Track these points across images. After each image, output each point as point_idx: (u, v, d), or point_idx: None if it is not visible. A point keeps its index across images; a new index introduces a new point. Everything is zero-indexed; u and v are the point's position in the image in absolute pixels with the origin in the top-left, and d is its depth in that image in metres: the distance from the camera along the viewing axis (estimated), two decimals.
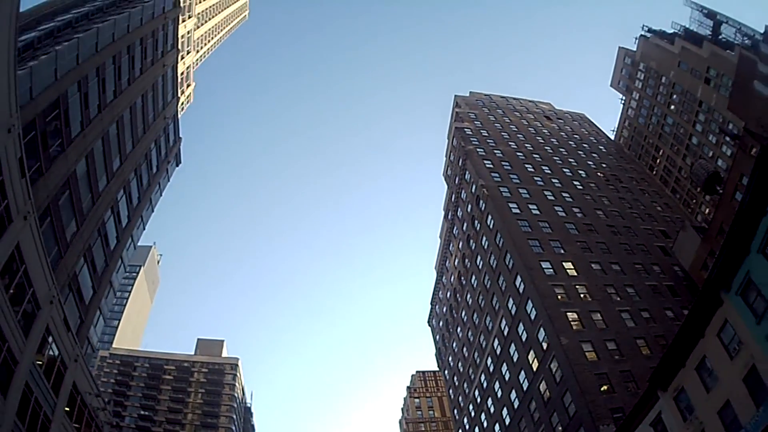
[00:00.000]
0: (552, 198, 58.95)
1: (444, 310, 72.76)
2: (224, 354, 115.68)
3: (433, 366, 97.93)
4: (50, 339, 23.43)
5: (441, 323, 74.51)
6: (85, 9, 36.72)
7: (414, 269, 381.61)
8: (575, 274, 49.12)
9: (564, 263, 49.73)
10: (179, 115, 52.97)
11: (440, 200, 78.15)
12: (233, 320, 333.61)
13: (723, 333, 27.50)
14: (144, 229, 40.02)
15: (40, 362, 22.58)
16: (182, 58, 63.43)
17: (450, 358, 70.49)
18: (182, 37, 61.37)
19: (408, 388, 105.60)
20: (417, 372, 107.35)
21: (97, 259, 31.49)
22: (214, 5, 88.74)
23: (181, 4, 64.19)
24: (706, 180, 56.73)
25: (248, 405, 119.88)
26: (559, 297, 46.33)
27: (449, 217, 69.89)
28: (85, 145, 28.96)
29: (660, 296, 50.75)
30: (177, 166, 47.67)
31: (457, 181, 66.73)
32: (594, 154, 74.59)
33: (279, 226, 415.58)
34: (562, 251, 51.34)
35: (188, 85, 72.63)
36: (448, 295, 70.64)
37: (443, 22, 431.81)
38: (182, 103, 66.04)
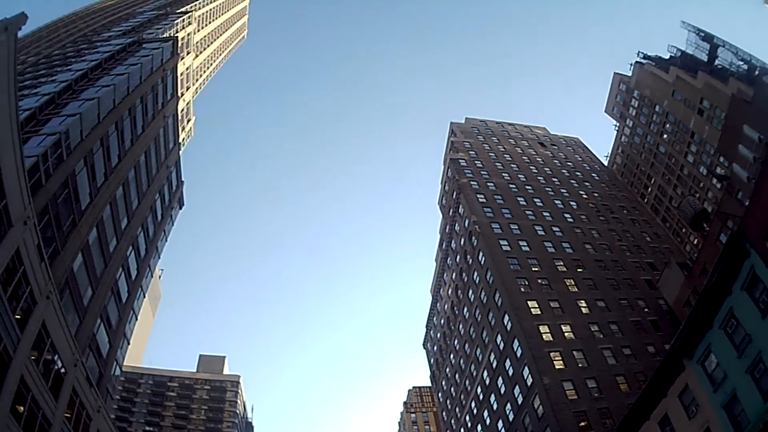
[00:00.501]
0: (542, 233, 61.33)
1: (438, 336, 75.29)
2: (226, 369, 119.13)
3: (429, 382, 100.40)
4: (76, 398, 26.27)
5: (435, 348, 77.05)
6: (83, 63, 39.13)
7: (413, 284, 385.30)
8: (561, 312, 51.54)
9: (551, 302, 52.17)
10: (181, 152, 55.86)
11: (438, 207, 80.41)
12: (232, 332, 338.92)
13: (683, 395, 30.03)
14: (152, 276, 42.79)
15: (69, 415, 25.39)
16: (182, 94, 66.22)
17: (443, 382, 73.01)
18: (181, 74, 64.06)
19: (404, 403, 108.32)
20: (413, 387, 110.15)
21: (112, 315, 34.26)
22: (212, 31, 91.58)
23: (180, 42, 67.44)
24: (694, 217, 58.79)
25: (249, 420, 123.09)
26: (544, 337, 48.79)
27: (443, 246, 72.43)
28: (95, 214, 31.67)
29: (643, 332, 53.12)
30: (180, 209, 50.44)
31: (451, 213, 69.27)
32: (586, 183, 76.89)
33: (278, 240, 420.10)
34: (550, 289, 53.76)
35: (188, 120, 75.37)
36: (442, 322, 73.17)
37: (443, 46, 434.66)
38: (183, 139, 68.81)
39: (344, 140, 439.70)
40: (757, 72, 68.95)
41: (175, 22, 61.29)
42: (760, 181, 25.86)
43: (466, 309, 63.24)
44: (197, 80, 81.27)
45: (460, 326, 65.28)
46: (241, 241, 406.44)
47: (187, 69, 70.16)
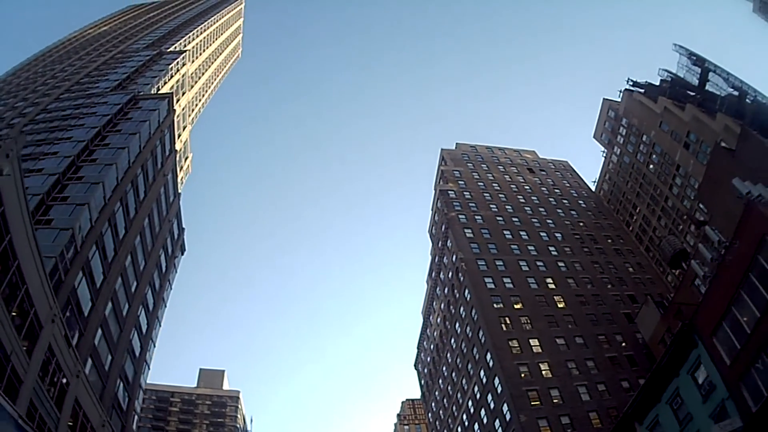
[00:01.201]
0: (526, 269, 65.27)
1: (428, 359, 79.59)
2: (225, 383, 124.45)
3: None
4: None
5: (426, 370, 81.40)
6: (83, 132, 42.08)
7: (408, 299, 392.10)
8: (540, 351, 55.65)
9: (530, 341, 56.27)
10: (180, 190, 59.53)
11: (428, 234, 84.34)
12: (230, 344, 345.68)
13: None
14: (160, 327, 46.90)
15: None
16: (179, 135, 69.54)
17: (433, 404, 77.45)
18: (178, 116, 67.18)
19: (398, 415, 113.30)
20: (407, 400, 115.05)
21: (129, 371, 38.44)
22: (207, 59, 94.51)
23: (175, 83, 70.54)
24: (673, 257, 62.43)
25: (249, 431, 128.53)
26: (523, 375, 52.98)
27: (433, 275, 76.46)
28: (109, 289, 35.63)
29: (618, 367, 57.25)
30: (182, 255, 54.38)
31: (440, 245, 73.17)
32: (573, 212, 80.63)
33: (276, 256, 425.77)
34: (531, 327, 57.84)
35: (186, 158, 78.72)
36: (432, 347, 77.41)
37: (437, 68, 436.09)
38: (181, 178, 72.22)
39: (341, 155, 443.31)
40: (747, 100, 71.66)
41: (170, 66, 64.32)
42: (713, 283, 29.57)
43: (453, 340, 67.38)
44: (193, 110, 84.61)
45: (448, 355, 69.49)
46: (239, 257, 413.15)
47: (183, 109, 73.40)
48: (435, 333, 75.97)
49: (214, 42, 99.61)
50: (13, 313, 23.18)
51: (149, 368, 44.06)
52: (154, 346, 45.28)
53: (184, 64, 70.25)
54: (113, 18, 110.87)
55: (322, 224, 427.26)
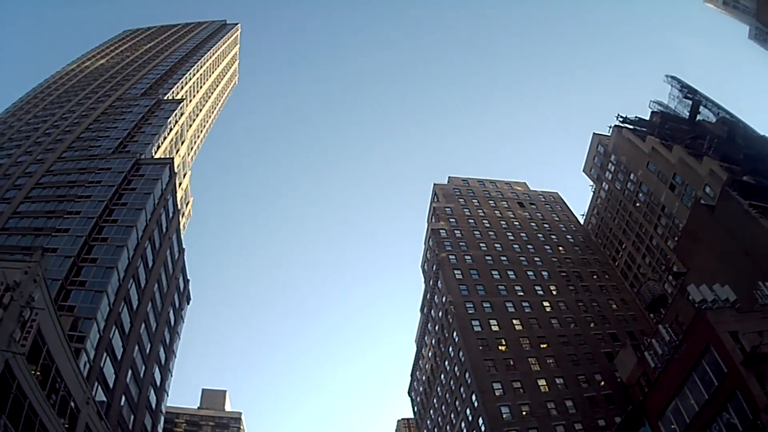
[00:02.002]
0: (512, 310, 70.25)
1: (420, 389, 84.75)
2: (227, 404, 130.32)
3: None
4: None
5: (418, 398, 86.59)
6: (92, 206, 46.57)
7: (402, 325, 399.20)
8: (522, 392, 60.74)
9: (513, 383, 61.35)
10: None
11: (420, 270, 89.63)
12: (232, 367, 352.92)
13: None
14: (172, 377, 52.09)
15: None
16: (180, 184, 74.22)
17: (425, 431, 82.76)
18: (177, 165, 71.51)
19: None
20: (402, 419, 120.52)
21: (148, 425, 43.63)
22: (204, 95, 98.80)
23: (175, 134, 75.12)
24: (651, 302, 67.05)
25: None
26: (504, 417, 58.13)
27: (425, 311, 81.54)
28: (128, 358, 40.77)
29: (596, 406, 62.29)
30: (188, 304, 59.49)
31: (431, 284, 78.21)
32: (560, 247, 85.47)
33: (279, 282, 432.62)
34: (514, 370, 62.85)
35: (187, 204, 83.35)
36: (424, 378, 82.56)
37: (430, 98, 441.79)
38: (183, 224, 76.82)
39: (337, 187, 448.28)
40: (735, 139, 74.82)
41: (168, 120, 68.74)
42: (662, 375, 34.47)
43: (443, 375, 72.49)
44: (192, 147, 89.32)
45: (438, 389, 74.62)
46: (242, 283, 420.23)
47: (182, 157, 78.10)
48: (427, 366, 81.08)
49: (211, 75, 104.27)
50: (53, 400, 28.15)
51: (163, 416, 49.25)
52: (167, 395, 50.52)
53: (182, 114, 74.99)
54: (110, 47, 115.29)
55: (322, 252, 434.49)
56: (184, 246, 58.08)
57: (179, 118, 74.21)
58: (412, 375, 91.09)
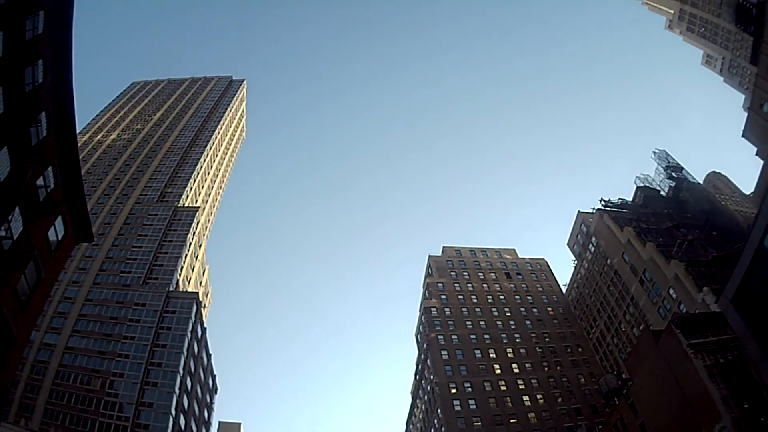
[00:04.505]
0: (489, 389, 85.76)
1: None
2: None
3: None
4: None
5: None
6: (140, 350, 61.26)
7: (401, 366, 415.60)
8: None
9: None
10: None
11: (414, 339, 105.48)
12: (245, 401, 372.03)
13: None
14: None
15: None
16: (197, 256, 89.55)
17: None
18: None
19: None
20: None
21: None
22: (215, 168, 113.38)
23: (194, 235, 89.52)
24: (607, 394, 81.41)
25: None
26: None
27: (417, 378, 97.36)
28: None
29: None
30: (216, 394, 75.27)
31: (423, 357, 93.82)
32: (540, 321, 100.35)
33: (287, 312, 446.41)
34: None
35: (207, 294, 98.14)
36: None
37: (430, 162, 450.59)
38: (204, 306, 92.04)
39: (341, 234, 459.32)
40: (712, 231, 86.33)
41: (188, 238, 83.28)
42: None
43: None
44: (208, 219, 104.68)
45: None
46: (257, 319, 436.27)
47: (199, 243, 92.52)
48: (418, 425, 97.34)
49: (221, 149, 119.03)
50: None
51: None
52: None
53: (198, 223, 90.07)
54: (119, 110, 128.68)
55: (328, 276, 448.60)
56: (210, 352, 73.76)
57: (197, 229, 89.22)
58: (407, 423, 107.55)
